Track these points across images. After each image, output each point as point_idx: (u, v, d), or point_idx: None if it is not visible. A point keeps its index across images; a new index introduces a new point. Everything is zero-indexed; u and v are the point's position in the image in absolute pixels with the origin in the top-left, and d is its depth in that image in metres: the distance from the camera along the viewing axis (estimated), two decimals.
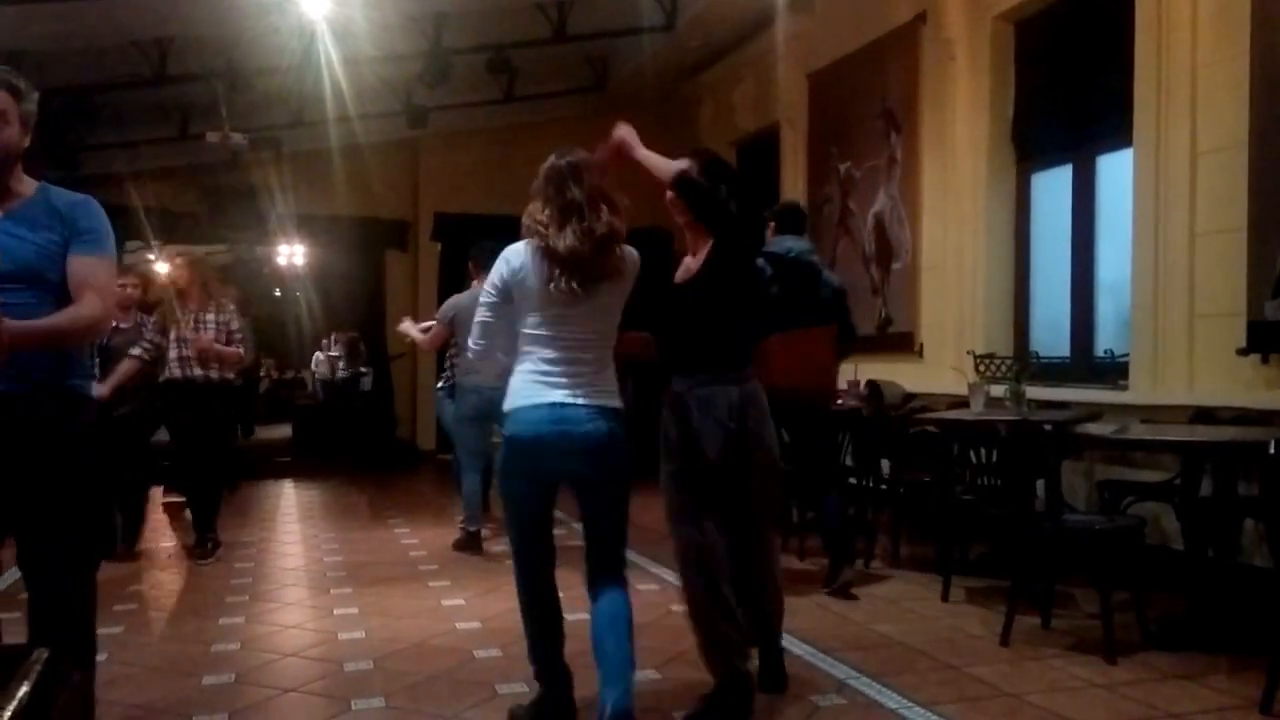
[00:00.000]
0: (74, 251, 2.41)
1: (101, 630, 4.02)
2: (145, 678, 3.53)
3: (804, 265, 4.54)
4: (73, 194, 2.53)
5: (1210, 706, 3.08)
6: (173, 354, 5.61)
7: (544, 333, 2.75)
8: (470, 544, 5.70)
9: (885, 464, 5.62)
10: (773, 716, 3.07)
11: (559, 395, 2.71)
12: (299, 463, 10.78)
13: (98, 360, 5.16)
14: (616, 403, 2.81)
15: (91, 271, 2.41)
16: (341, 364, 12.10)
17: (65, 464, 2.43)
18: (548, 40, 8.12)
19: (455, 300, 5.82)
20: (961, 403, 5.34)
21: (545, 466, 2.76)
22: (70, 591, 2.46)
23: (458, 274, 7.50)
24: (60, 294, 2.39)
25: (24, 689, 0.89)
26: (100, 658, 3.65)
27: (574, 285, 2.68)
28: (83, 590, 2.51)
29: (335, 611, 4.42)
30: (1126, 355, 5.20)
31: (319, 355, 13.33)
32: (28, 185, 2.49)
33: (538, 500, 2.84)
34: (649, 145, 3.11)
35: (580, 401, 2.72)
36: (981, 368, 6.02)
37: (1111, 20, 5.33)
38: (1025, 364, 5.74)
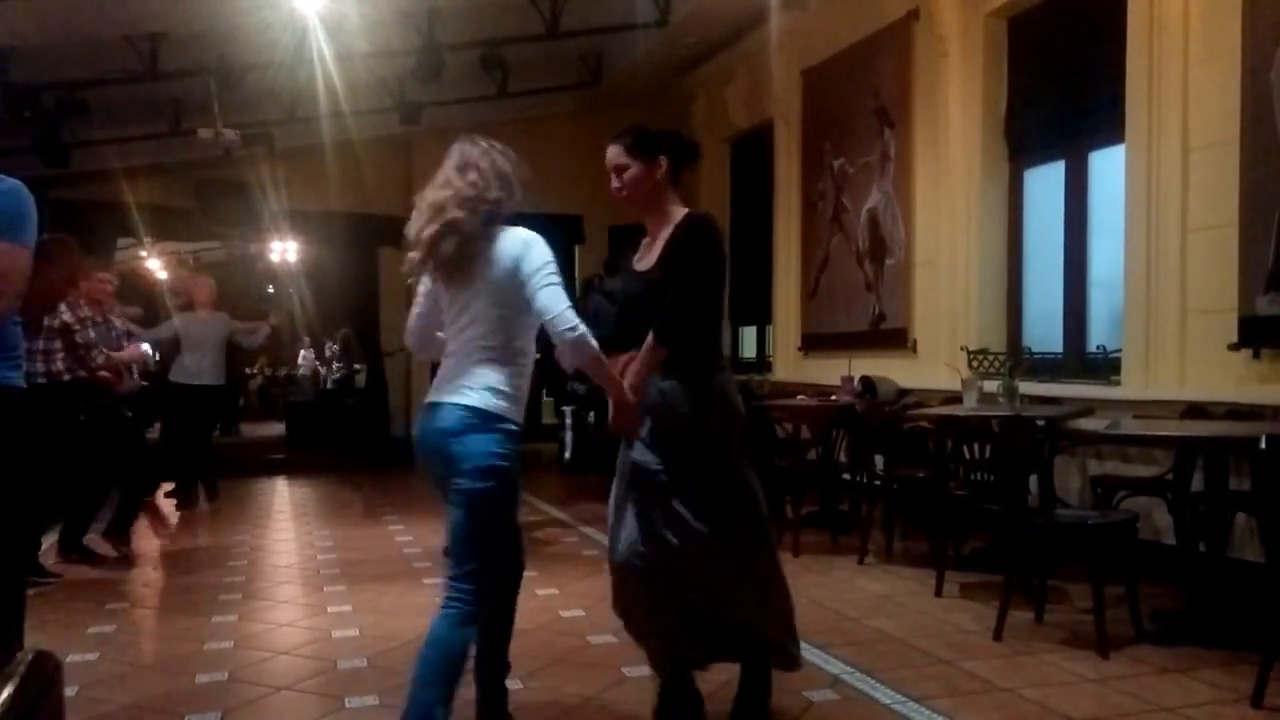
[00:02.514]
0: None
1: (93, 629, 4.06)
2: (137, 676, 3.52)
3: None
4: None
5: (1202, 700, 3.09)
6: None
7: None
8: None
9: (879, 459, 5.63)
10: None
11: None
12: (292, 460, 10.76)
13: (72, 354, 5.03)
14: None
15: None
16: (335, 364, 12.04)
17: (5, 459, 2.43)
18: (541, 36, 8.10)
19: None
20: (955, 398, 5.35)
21: None
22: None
23: None
24: None
25: (8, 690, 0.88)
26: (92, 657, 3.68)
27: None
28: (12, 581, 2.54)
29: (329, 609, 4.42)
30: (1119, 351, 5.21)
31: (305, 354, 13.23)
32: None
33: None
34: None
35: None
36: (975, 363, 6.04)
37: (1104, 17, 5.34)
38: (1018, 360, 5.76)
